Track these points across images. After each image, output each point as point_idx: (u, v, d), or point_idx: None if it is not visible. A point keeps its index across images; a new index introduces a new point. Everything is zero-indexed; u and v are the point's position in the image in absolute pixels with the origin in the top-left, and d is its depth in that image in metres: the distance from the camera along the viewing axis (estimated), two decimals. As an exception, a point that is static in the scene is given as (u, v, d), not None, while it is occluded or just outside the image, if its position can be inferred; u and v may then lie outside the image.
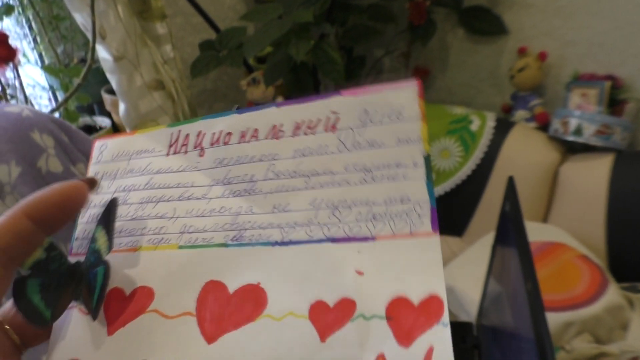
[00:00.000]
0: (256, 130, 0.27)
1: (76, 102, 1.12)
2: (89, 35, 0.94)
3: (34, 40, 1.13)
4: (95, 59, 0.96)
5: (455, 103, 1.33)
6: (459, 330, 0.92)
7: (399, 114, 0.24)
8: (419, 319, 0.21)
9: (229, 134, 0.28)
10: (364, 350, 0.22)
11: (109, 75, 1.01)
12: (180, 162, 0.29)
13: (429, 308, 0.21)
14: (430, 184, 0.24)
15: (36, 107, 1.16)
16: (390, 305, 0.22)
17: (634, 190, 1.05)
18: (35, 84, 1.17)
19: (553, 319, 0.88)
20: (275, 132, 0.27)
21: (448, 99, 1.43)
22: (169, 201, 0.28)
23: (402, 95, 0.25)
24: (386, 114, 0.25)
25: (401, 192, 0.24)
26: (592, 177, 1.09)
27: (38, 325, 0.25)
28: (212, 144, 0.28)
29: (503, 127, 1.20)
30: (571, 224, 1.10)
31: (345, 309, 0.23)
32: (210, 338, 0.24)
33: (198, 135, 0.29)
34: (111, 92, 1.10)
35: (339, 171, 0.25)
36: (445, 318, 0.21)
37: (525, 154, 1.17)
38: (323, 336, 0.22)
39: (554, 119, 1.16)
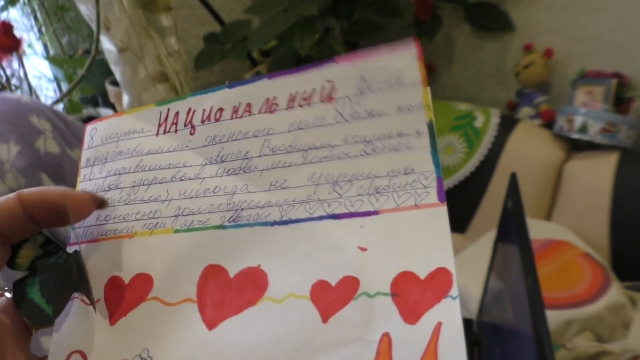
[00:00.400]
0: (249, 104, 0.26)
1: (80, 94, 1.12)
2: (94, 27, 0.94)
3: (39, 31, 1.13)
4: (99, 50, 0.96)
5: (460, 99, 1.32)
6: (460, 326, 0.92)
7: (398, 79, 0.23)
8: (425, 293, 0.21)
9: (221, 109, 0.27)
10: (368, 330, 0.21)
11: (113, 67, 1.01)
12: (170, 141, 0.28)
13: (437, 282, 0.21)
14: (435, 152, 0.23)
15: (42, 99, 1.16)
16: (395, 281, 0.21)
17: (639, 189, 1.04)
18: (41, 75, 1.17)
19: (554, 316, 0.88)
20: (269, 106, 0.25)
21: (453, 95, 1.42)
22: (161, 183, 0.27)
23: (401, 59, 0.23)
24: (385, 81, 0.24)
25: (405, 163, 0.23)
26: (596, 176, 1.09)
27: (41, 323, 0.25)
28: (203, 121, 0.27)
29: (507, 124, 1.20)
30: (575, 222, 1.10)
31: (348, 288, 0.22)
32: (211, 324, 0.24)
33: (188, 112, 0.27)
34: (115, 83, 1.10)
35: (338, 144, 0.24)
36: (454, 291, 0.20)
37: (529, 151, 1.17)
38: (325, 317, 0.22)
39: (559, 116, 1.15)
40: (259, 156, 0.25)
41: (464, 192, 1.22)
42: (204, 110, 0.27)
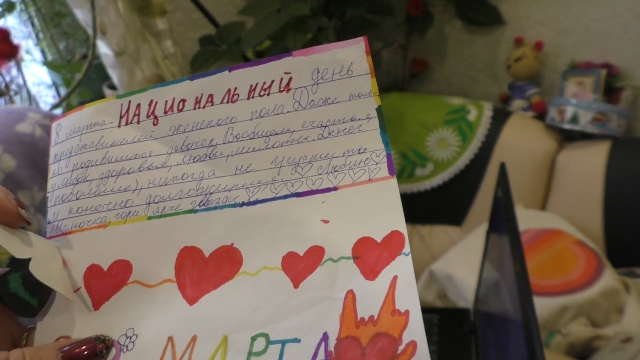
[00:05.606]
0: (211, 95, 0.28)
1: (79, 98, 1.14)
2: (90, 31, 0.96)
3: (37, 37, 1.14)
4: (96, 55, 0.98)
5: (453, 94, 1.34)
6: (457, 316, 0.93)
7: (348, 70, 0.27)
8: (382, 254, 0.24)
9: (183, 100, 0.28)
10: (334, 290, 0.24)
11: (110, 71, 1.03)
12: (134, 132, 0.29)
13: (391, 242, 0.24)
14: (384, 133, 0.26)
15: (41, 105, 1.18)
16: (355, 246, 0.25)
17: (630, 176, 1.06)
18: (40, 82, 1.19)
19: (550, 303, 0.89)
20: (231, 96, 0.28)
21: (446, 89, 1.44)
22: (129, 173, 0.29)
23: (350, 53, 0.27)
24: (337, 72, 0.27)
25: (358, 144, 0.26)
26: (589, 165, 1.10)
27: (28, 315, 0.26)
28: (166, 112, 0.28)
29: (500, 117, 1.21)
30: (569, 211, 1.11)
31: (314, 256, 0.25)
32: (192, 300, 0.26)
33: (150, 104, 0.29)
34: (113, 87, 1.12)
35: (297, 129, 0.27)
36: (407, 249, 0.24)
37: (522, 143, 1.18)
38: (296, 283, 0.25)
39: (551, 107, 1.17)
40: (224, 143, 0.28)
41: (459, 186, 1.24)
42: (166, 102, 0.29)
